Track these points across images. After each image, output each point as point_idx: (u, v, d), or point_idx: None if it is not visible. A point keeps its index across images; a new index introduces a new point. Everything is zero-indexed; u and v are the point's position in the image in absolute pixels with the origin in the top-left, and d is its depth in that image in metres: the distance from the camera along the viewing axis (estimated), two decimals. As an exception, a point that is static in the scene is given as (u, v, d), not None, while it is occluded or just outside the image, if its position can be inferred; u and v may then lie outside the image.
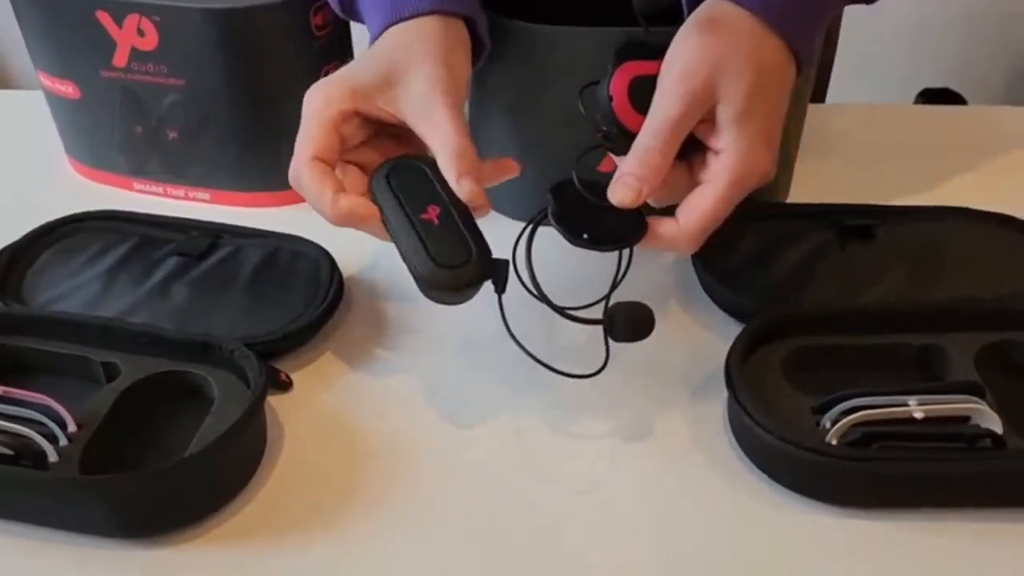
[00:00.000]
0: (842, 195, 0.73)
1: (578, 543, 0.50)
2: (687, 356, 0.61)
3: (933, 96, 1.61)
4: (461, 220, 0.52)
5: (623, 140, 0.52)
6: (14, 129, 0.89)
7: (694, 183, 0.53)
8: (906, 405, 0.52)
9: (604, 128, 0.54)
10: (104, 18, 0.69)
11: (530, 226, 0.54)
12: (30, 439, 0.50)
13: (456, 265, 0.51)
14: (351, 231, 0.67)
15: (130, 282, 0.65)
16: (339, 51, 0.73)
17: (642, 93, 0.52)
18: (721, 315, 0.64)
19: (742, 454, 0.55)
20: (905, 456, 0.50)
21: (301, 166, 0.53)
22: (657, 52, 0.53)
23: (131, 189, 0.78)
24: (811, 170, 0.77)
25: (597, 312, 0.54)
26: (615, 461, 0.54)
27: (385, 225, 0.53)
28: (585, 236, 0.51)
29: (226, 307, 0.63)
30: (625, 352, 0.57)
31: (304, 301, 0.63)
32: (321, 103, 0.54)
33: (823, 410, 0.53)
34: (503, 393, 0.58)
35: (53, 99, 0.77)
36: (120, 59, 0.71)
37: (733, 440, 0.56)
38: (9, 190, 0.79)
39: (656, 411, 0.57)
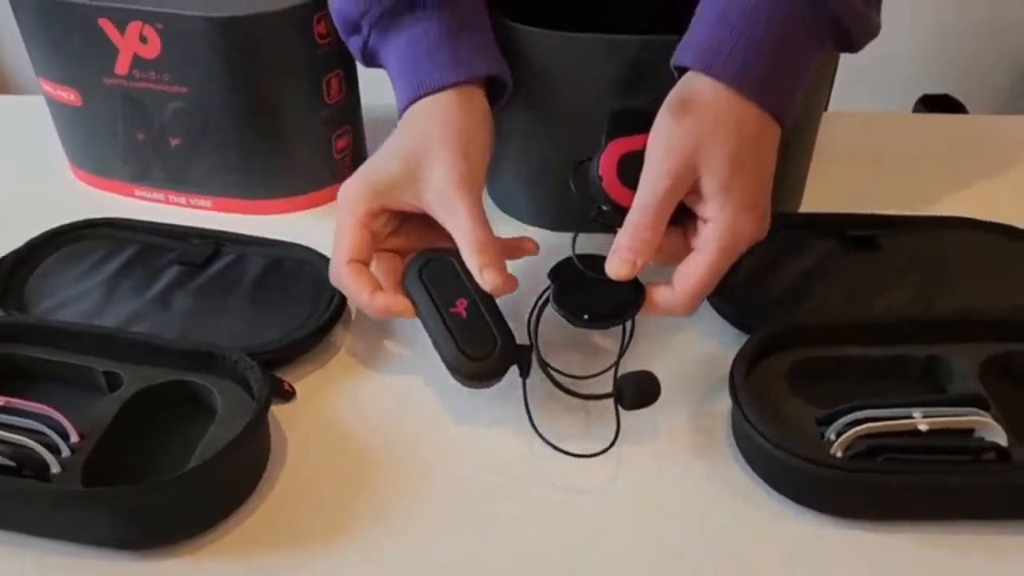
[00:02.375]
0: (843, 204, 0.73)
1: (582, 552, 0.50)
2: (690, 366, 0.61)
3: (933, 103, 1.61)
4: (487, 311, 0.56)
5: (617, 215, 0.55)
6: (16, 135, 0.89)
7: (689, 247, 0.55)
8: (911, 417, 0.52)
9: (598, 206, 0.57)
10: (106, 25, 0.69)
11: (535, 311, 0.58)
12: (32, 450, 0.50)
13: (482, 357, 0.55)
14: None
15: (132, 290, 0.65)
16: (342, 59, 0.73)
17: (630, 170, 0.55)
18: (724, 325, 0.64)
19: (745, 465, 0.55)
20: (910, 469, 0.50)
21: (340, 269, 0.57)
22: (648, 119, 0.55)
23: (133, 196, 0.78)
24: (811, 179, 0.77)
25: (607, 379, 0.56)
26: (619, 471, 0.54)
27: (419, 317, 0.57)
28: (586, 316, 0.55)
29: (229, 316, 0.63)
30: (629, 362, 0.57)
31: (307, 310, 0.63)
32: (350, 204, 0.58)
33: (827, 422, 0.53)
34: (508, 402, 0.58)
35: (55, 106, 0.76)
36: (122, 66, 0.71)
37: (736, 451, 0.55)
38: (10, 197, 0.79)
39: (659, 421, 0.57)
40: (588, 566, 0.50)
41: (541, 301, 0.58)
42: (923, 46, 1.79)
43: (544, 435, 0.54)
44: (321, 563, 0.50)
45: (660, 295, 0.55)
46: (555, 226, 0.73)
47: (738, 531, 0.51)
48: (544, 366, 0.56)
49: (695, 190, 0.54)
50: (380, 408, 0.59)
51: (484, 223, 0.57)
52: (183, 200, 0.77)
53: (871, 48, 0.59)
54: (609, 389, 0.55)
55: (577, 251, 0.57)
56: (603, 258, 0.55)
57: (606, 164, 0.56)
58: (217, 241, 0.69)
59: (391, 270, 0.60)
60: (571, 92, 0.66)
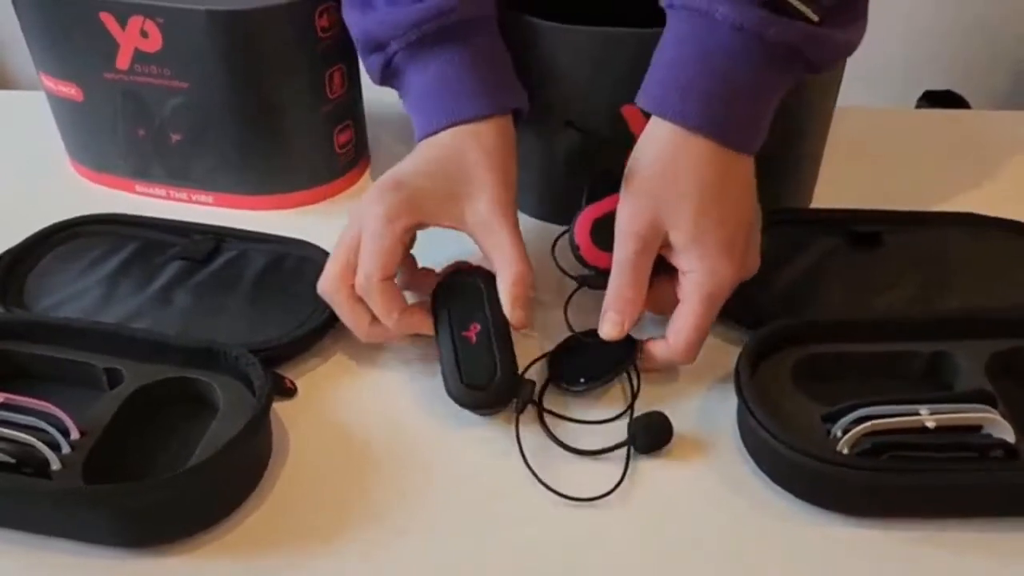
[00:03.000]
0: (846, 200, 0.73)
1: (584, 552, 0.50)
2: (695, 363, 0.61)
3: (935, 99, 1.60)
4: (497, 341, 0.57)
5: (600, 278, 0.57)
6: (15, 130, 0.88)
7: (677, 297, 0.57)
8: (917, 414, 0.51)
9: (583, 273, 0.59)
10: (107, 19, 0.68)
11: (539, 393, 0.58)
12: (32, 446, 0.50)
13: (479, 387, 0.55)
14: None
15: (133, 287, 0.64)
16: (344, 54, 0.72)
17: (604, 233, 0.57)
18: (728, 322, 0.64)
19: (752, 463, 0.54)
20: (917, 467, 0.50)
21: (373, 287, 0.56)
22: (619, 180, 0.57)
23: (133, 192, 0.78)
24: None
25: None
26: (622, 470, 0.54)
27: (435, 333, 0.58)
28: (582, 380, 0.57)
29: (230, 312, 0.62)
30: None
31: (309, 306, 0.62)
32: (389, 217, 0.57)
33: (833, 419, 0.53)
34: (513, 401, 0.57)
35: (55, 101, 0.76)
36: (123, 61, 0.70)
37: (743, 448, 0.55)
38: (10, 192, 0.79)
39: (661, 409, 0.57)
40: (590, 566, 0.49)
41: (544, 386, 0.59)
42: (924, 42, 1.78)
43: (543, 477, 0.53)
44: (322, 563, 0.49)
45: (657, 349, 0.57)
46: (558, 218, 0.72)
47: (743, 528, 0.51)
48: (544, 422, 0.56)
49: (667, 244, 0.55)
50: (382, 406, 0.58)
51: (525, 254, 0.58)
52: (184, 196, 0.76)
53: (872, 45, 0.59)
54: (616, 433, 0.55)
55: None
56: (589, 331, 0.58)
57: (580, 232, 0.58)
58: (218, 237, 0.68)
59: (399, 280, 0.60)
60: (579, 86, 0.65)
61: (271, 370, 0.57)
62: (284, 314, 0.62)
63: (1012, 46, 1.81)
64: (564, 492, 0.52)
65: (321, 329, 0.61)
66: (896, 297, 0.62)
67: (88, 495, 0.48)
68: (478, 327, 0.58)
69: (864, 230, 0.67)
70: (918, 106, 1.61)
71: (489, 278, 0.59)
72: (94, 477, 0.50)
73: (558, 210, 0.72)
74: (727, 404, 0.57)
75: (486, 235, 0.58)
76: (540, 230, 0.62)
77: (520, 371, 0.58)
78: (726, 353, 0.60)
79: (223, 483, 0.51)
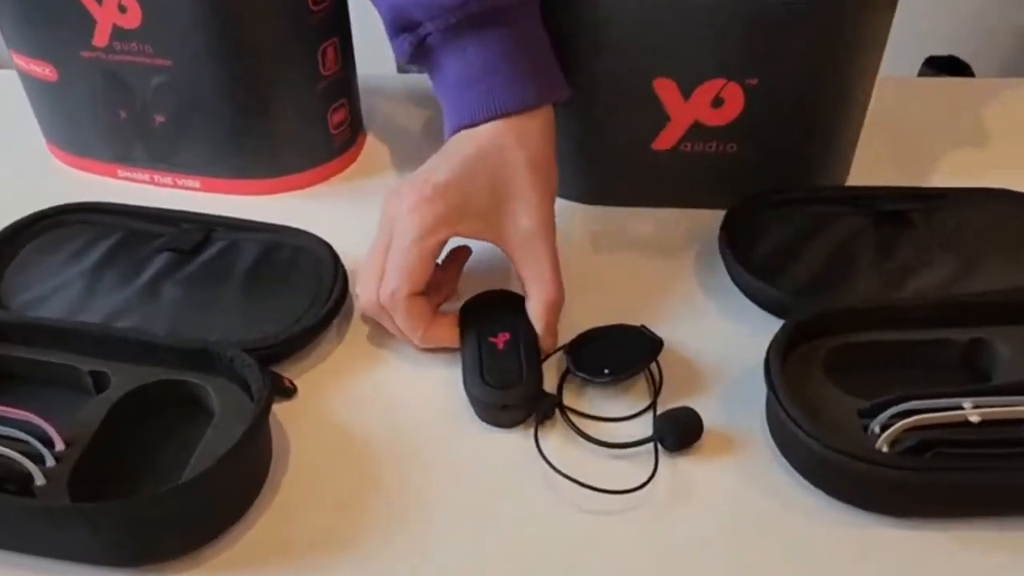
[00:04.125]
0: (857, 176, 0.69)
1: (607, 550, 0.47)
2: (718, 352, 0.57)
3: (939, 65, 1.56)
4: (525, 353, 0.54)
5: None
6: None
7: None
8: (961, 408, 0.48)
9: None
10: (82, -6, 0.64)
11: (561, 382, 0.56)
12: (12, 460, 0.46)
13: (500, 386, 0.52)
14: (353, 222, 0.63)
15: (117, 281, 0.60)
16: (337, 27, 0.68)
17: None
18: (751, 307, 0.61)
19: (782, 459, 0.51)
20: (963, 465, 0.47)
21: (399, 303, 0.54)
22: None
23: (116, 177, 0.73)
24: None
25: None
26: (645, 466, 0.51)
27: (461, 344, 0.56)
28: (606, 372, 0.54)
29: (222, 308, 0.59)
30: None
31: (306, 299, 0.59)
32: (427, 228, 0.53)
33: (871, 414, 0.50)
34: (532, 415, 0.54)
35: (29, 82, 0.71)
36: (101, 38, 0.65)
37: (772, 443, 0.52)
38: (-16, 179, 0.74)
39: (687, 404, 0.53)
40: (616, 569, 0.46)
41: (563, 377, 0.56)
42: (924, 7, 1.74)
43: (568, 473, 0.50)
44: (332, 573, 0.46)
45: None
46: (585, 198, 0.69)
47: (776, 529, 0.48)
48: (567, 416, 0.54)
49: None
50: (388, 405, 0.55)
51: (560, 279, 0.56)
52: (169, 181, 0.72)
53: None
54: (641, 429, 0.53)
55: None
56: (611, 325, 0.57)
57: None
58: (208, 226, 0.64)
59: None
60: (608, 60, 0.61)
61: (268, 369, 0.54)
62: (280, 308, 0.58)
63: (1014, 10, 1.77)
64: (596, 485, 0.49)
65: (320, 324, 0.57)
66: (928, 281, 0.59)
67: (74, 513, 0.44)
68: (507, 336, 0.55)
69: (890, 209, 0.64)
70: (921, 73, 1.57)
71: (522, 300, 0.57)
72: (82, 492, 0.46)
73: (581, 190, 0.68)
74: (754, 396, 0.54)
75: (525, 254, 0.55)
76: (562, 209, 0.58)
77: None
78: (750, 342, 0.57)
79: (223, 495, 0.47)
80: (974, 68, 1.65)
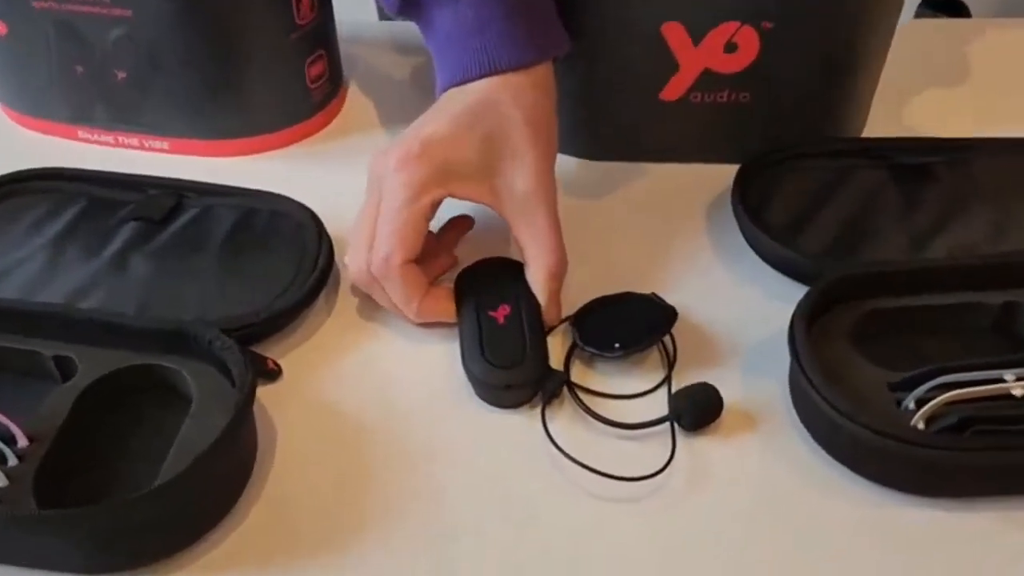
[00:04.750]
0: (875, 127, 0.65)
1: (621, 539, 0.43)
2: (733, 320, 0.53)
3: (935, 6, 1.51)
4: (528, 326, 0.50)
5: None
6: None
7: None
8: (1002, 381, 0.45)
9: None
10: (28, -63, 0.58)
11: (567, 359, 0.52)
12: (-29, 461, 0.42)
13: (504, 365, 0.48)
14: (337, 184, 0.58)
15: (81, 255, 0.55)
16: (313, -29, 0.62)
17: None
18: (766, 271, 0.57)
19: (807, 436, 0.48)
20: (1009, 444, 0.43)
21: (392, 271, 0.50)
22: None
23: (76, 139, 0.68)
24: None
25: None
26: (662, 448, 0.47)
27: (457, 318, 0.52)
28: (617, 345, 0.50)
29: (197, 282, 0.54)
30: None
31: (289, 271, 0.54)
32: (415, 189, 0.49)
33: (905, 387, 0.46)
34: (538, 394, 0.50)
35: (-25, 35, 0.65)
36: (52, -14, 0.60)
37: (796, 419, 0.48)
38: (-68, 143, 0.69)
39: (704, 379, 0.49)
40: (625, 555, 0.43)
41: (570, 352, 0.52)
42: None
43: (578, 457, 0.46)
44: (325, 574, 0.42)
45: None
46: (585, 154, 0.64)
47: (801, 513, 0.45)
48: (576, 394, 0.50)
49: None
50: (381, 386, 0.51)
51: (562, 242, 0.51)
52: (135, 142, 0.67)
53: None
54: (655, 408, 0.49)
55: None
56: (621, 295, 0.53)
57: None
58: (178, 191, 0.59)
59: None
60: (613, 3, 0.57)
61: (250, 351, 0.50)
62: (261, 281, 0.54)
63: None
64: (609, 472, 0.45)
65: (306, 299, 0.53)
66: (955, 240, 0.55)
67: (40, 522, 0.40)
68: (508, 310, 0.51)
69: (911, 162, 0.60)
70: (918, 15, 1.52)
71: (522, 268, 0.53)
72: (49, 494, 0.42)
73: (583, 144, 0.64)
74: (774, 366, 0.50)
75: (521, 215, 0.51)
76: (567, 165, 0.53)
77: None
78: (767, 309, 0.53)
79: (205, 494, 0.43)
80: (970, 8, 1.60)
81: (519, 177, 0.51)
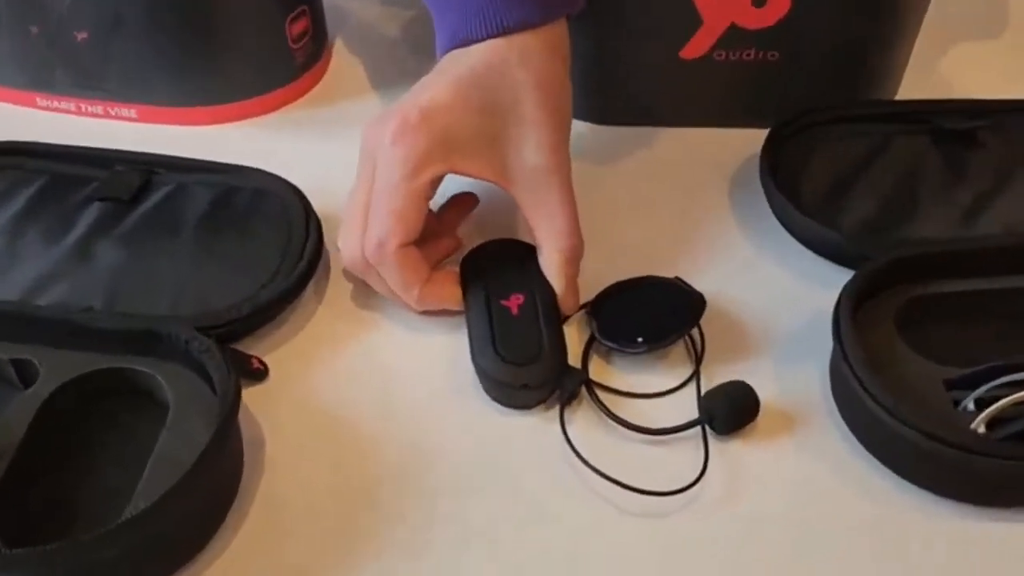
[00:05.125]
0: (911, 88, 0.60)
1: (650, 557, 0.39)
2: (764, 307, 0.49)
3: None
4: (544, 317, 0.45)
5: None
6: None
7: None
8: (1074, 380, 0.40)
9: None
10: None
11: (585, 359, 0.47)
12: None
13: (519, 362, 0.43)
14: (323, 156, 0.53)
15: (41, 241, 0.50)
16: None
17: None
18: (797, 249, 0.52)
19: (851, 437, 0.43)
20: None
21: (388, 255, 0.45)
22: None
23: (34, 107, 0.62)
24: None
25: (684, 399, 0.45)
26: (691, 454, 0.42)
27: (465, 306, 0.47)
28: (640, 340, 0.45)
29: (170, 270, 0.48)
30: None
31: (274, 259, 0.49)
32: (414, 165, 0.44)
33: (963, 385, 0.42)
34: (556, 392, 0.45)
35: (-84, -8, 0.59)
36: (-2, -64, 0.53)
37: (837, 416, 0.44)
38: None
39: (735, 374, 0.45)
40: (657, 569, 0.39)
41: (588, 348, 0.47)
42: None
43: (600, 464, 0.42)
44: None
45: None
46: (598, 118, 0.59)
47: (846, 522, 0.41)
48: (595, 395, 0.45)
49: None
50: (378, 380, 0.46)
51: (577, 222, 0.46)
52: (100, 110, 0.61)
53: None
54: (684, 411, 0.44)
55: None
56: (639, 279, 0.48)
57: None
58: (147, 167, 0.54)
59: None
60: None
61: (232, 349, 0.45)
62: (243, 269, 0.48)
63: None
64: (636, 486, 0.41)
65: (293, 288, 0.47)
66: (1007, 215, 0.50)
67: (12, 562, 0.35)
68: (521, 298, 0.46)
69: (955, 127, 0.55)
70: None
71: (534, 251, 0.48)
72: (10, 521, 0.37)
73: (596, 108, 0.58)
74: (811, 358, 0.46)
75: (532, 193, 0.46)
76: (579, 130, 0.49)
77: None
78: (801, 294, 0.49)
79: (185, 520, 0.38)
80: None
81: (529, 150, 0.45)
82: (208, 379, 0.42)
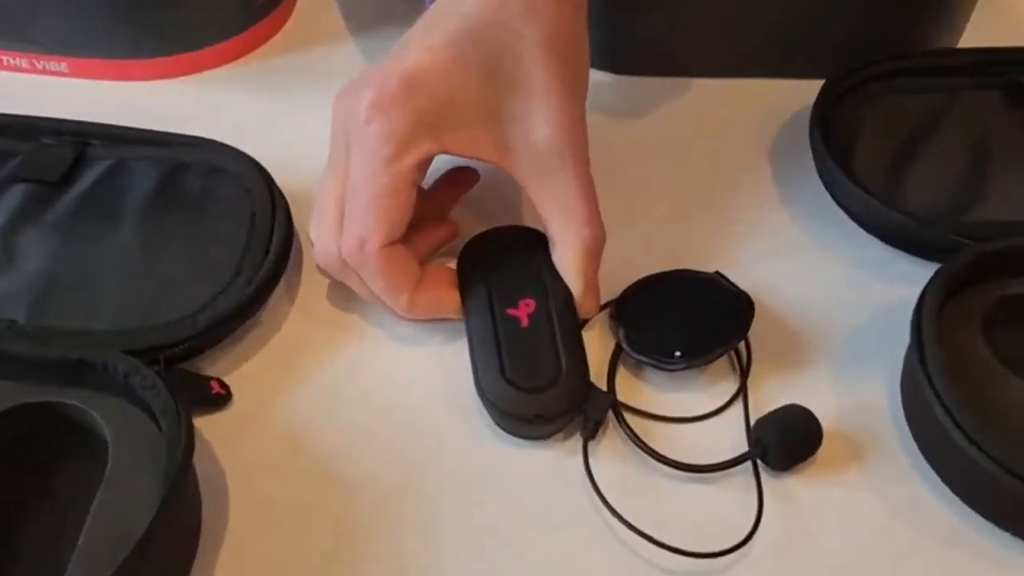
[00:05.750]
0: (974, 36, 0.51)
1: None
2: (816, 307, 0.41)
3: None
4: (560, 326, 0.38)
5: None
6: None
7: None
8: None
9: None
10: None
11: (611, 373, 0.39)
12: None
13: (532, 388, 0.36)
14: (287, 120, 0.45)
15: (-48, 234, 0.41)
16: None
17: None
18: (854, 231, 0.44)
19: (926, 470, 0.37)
20: None
21: (370, 256, 0.37)
22: None
23: (-52, 59, 0.52)
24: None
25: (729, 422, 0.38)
26: (740, 494, 0.36)
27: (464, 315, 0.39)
28: (678, 354, 0.38)
29: (110, 270, 0.40)
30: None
31: (233, 256, 0.41)
32: (393, 145, 0.36)
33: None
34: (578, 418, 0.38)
35: None
36: None
37: (910, 443, 0.37)
38: None
39: (788, 391, 0.38)
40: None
41: (614, 363, 0.39)
42: None
43: (633, 507, 0.35)
44: None
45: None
46: (617, 67, 0.50)
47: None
48: (623, 420, 0.38)
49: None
50: (363, 402, 0.39)
51: (597, 210, 0.39)
52: (26, 64, 0.51)
53: None
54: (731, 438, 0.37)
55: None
56: (666, 274, 0.41)
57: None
58: (82, 139, 0.45)
59: None
60: None
61: (186, 372, 0.37)
62: (198, 268, 0.40)
63: None
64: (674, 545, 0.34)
65: (258, 293, 0.39)
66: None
67: None
68: (532, 305, 0.38)
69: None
70: None
71: (545, 240, 0.40)
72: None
73: (614, 55, 0.50)
74: (877, 368, 0.39)
75: (541, 175, 0.38)
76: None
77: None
78: (860, 286, 0.42)
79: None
80: None
81: (538, 122, 0.37)
82: (154, 417, 0.34)
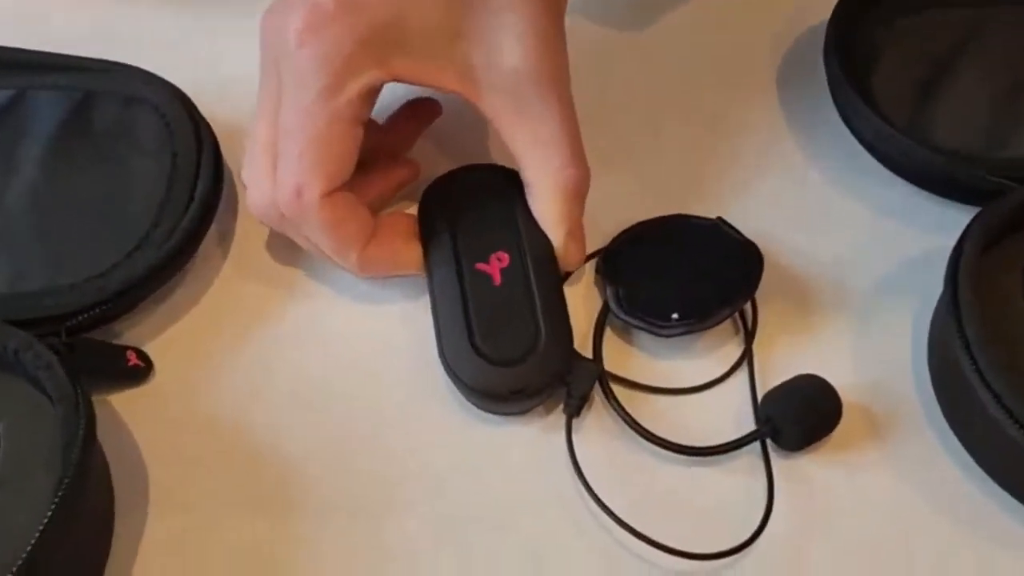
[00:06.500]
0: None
1: None
2: (834, 252, 0.36)
3: None
4: (537, 283, 0.33)
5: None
6: None
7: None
8: None
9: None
10: None
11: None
12: None
13: (505, 360, 0.31)
14: (211, 31, 0.39)
15: None
16: None
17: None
18: (875, 169, 0.38)
19: (960, 452, 0.32)
20: None
21: (311, 206, 0.31)
22: None
23: None
24: None
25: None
26: (746, 478, 0.31)
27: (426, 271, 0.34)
28: (675, 316, 0.33)
29: (8, 223, 0.34)
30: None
31: (151, 206, 0.34)
32: (331, 73, 0.31)
33: None
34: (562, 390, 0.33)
35: None
36: None
37: (941, 421, 0.32)
38: None
39: (800, 358, 0.33)
40: None
41: (601, 323, 0.34)
42: None
43: (624, 497, 0.30)
44: None
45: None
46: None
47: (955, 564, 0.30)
48: (612, 394, 0.33)
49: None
50: (311, 374, 0.33)
51: (581, 144, 0.33)
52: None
53: None
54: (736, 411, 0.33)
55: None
56: (661, 220, 0.35)
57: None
58: (-30, 64, 0.38)
59: None
60: None
61: (96, 342, 0.32)
62: (111, 218, 0.34)
63: None
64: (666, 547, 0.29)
65: (182, 246, 0.34)
66: None
67: None
68: (505, 258, 0.33)
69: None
70: None
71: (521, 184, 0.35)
72: None
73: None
74: (900, 328, 0.34)
75: (512, 107, 0.32)
76: (582, 27, 0.34)
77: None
78: (880, 233, 0.37)
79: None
80: None
81: (507, 42, 0.32)
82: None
